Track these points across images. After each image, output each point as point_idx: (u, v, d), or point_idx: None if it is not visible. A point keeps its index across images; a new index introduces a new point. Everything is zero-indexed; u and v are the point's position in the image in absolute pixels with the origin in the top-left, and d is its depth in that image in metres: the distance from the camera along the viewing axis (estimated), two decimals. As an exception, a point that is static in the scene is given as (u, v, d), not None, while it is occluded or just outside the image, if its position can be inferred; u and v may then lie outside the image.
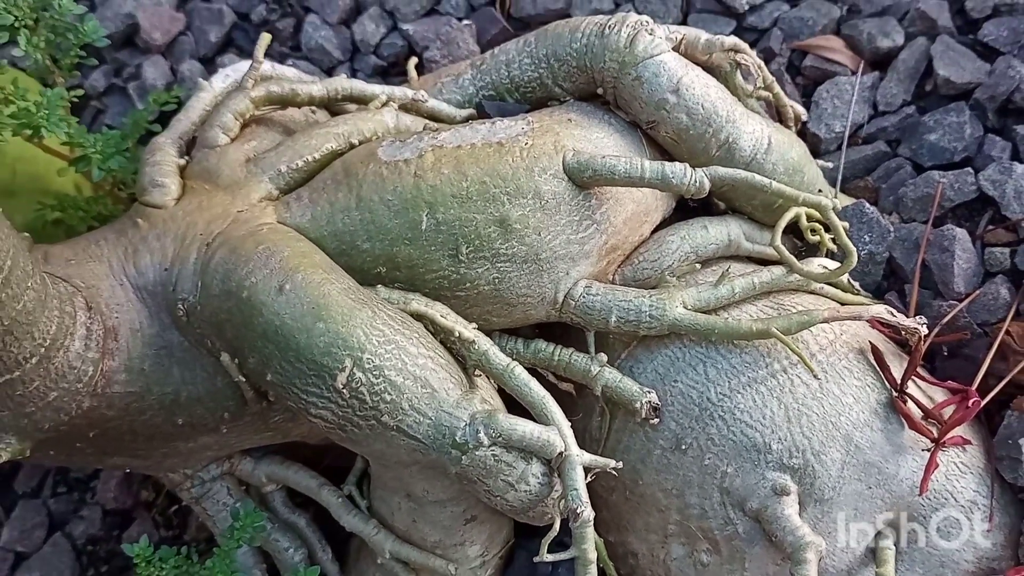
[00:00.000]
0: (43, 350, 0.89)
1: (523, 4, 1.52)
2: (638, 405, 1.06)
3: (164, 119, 1.36)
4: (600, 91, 1.17)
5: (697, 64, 1.17)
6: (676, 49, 1.16)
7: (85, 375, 0.94)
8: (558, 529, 0.97)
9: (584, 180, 1.06)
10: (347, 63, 1.54)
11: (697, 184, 1.06)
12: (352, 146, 1.13)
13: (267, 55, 1.52)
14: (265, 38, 1.17)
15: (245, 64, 1.25)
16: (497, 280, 1.05)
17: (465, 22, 1.51)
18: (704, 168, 1.06)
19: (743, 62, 1.20)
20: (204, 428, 1.04)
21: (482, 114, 1.22)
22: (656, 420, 1.07)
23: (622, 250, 1.14)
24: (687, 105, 1.12)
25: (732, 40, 1.19)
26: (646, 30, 1.13)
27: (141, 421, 1.00)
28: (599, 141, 1.11)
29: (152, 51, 1.57)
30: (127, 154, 1.19)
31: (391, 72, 1.52)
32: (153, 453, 1.06)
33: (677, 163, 1.06)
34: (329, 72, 1.53)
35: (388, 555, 1.08)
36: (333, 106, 1.27)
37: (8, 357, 0.85)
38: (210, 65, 1.56)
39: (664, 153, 1.17)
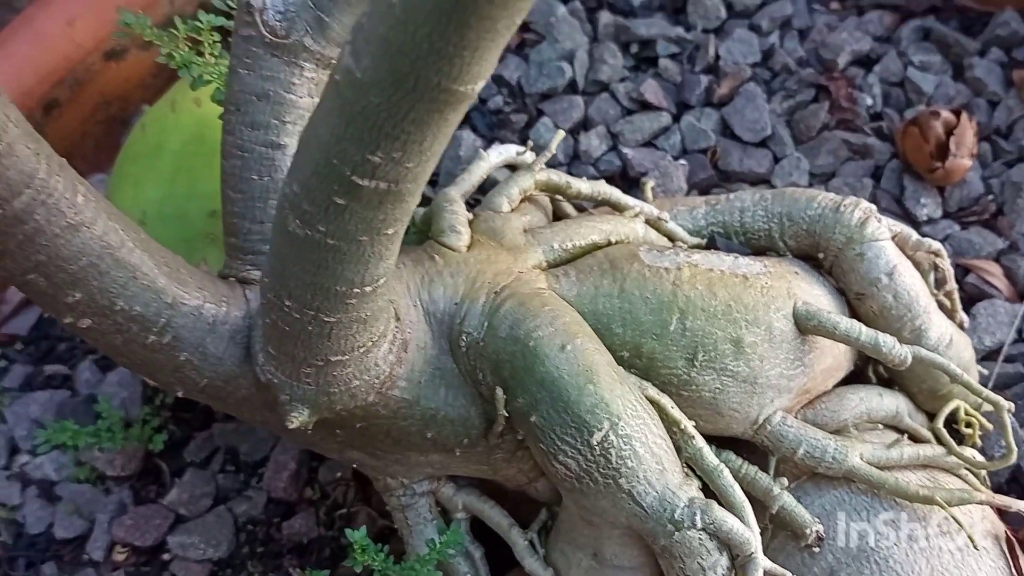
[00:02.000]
0: (370, 343, 1.02)
1: (730, 160, 1.71)
2: (807, 531, 1.20)
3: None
4: (820, 256, 1.34)
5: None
6: (892, 239, 1.35)
7: (382, 374, 1.07)
8: (732, 619, 1.11)
9: (807, 327, 1.23)
10: (566, 166, 1.72)
11: (902, 357, 1.22)
12: (609, 243, 1.29)
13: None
14: (559, 135, 1.36)
15: (510, 147, 1.43)
16: (718, 390, 1.20)
17: (680, 161, 1.70)
18: (909, 345, 1.23)
19: (940, 266, 1.38)
20: (442, 447, 1.17)
21: (710, 246, 1.39)
22: (818, 549, 1.21)
23: (811, 394, 1.30)
24: (896, 289, 1.29)
25: (937, 245, 1.37)
26: (875, 217, 1.32)
27: (399, 426, 1.13)
28: (817, 297, 1.28)
29: (399, 109, 1.74)
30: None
31: (602, 185, 1.70)
32: (388, 457, 1.19)
33: (887, 335, 1.23)
34: (547, 170, 1.71)
35: (556, 602, 1.20)
36: (556, 204, 1.45)
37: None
38: (445, 135, 1.73)
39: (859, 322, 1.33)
